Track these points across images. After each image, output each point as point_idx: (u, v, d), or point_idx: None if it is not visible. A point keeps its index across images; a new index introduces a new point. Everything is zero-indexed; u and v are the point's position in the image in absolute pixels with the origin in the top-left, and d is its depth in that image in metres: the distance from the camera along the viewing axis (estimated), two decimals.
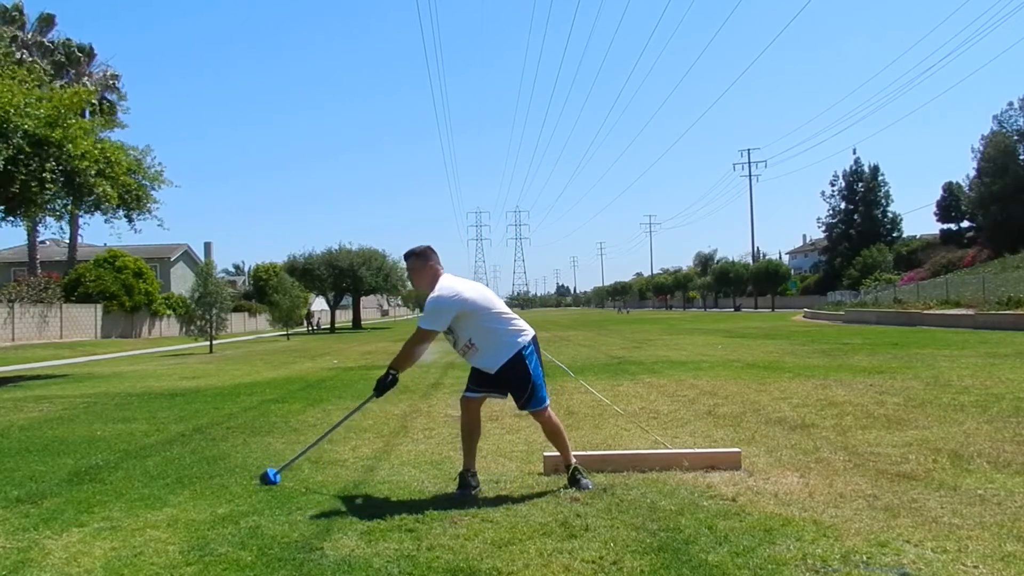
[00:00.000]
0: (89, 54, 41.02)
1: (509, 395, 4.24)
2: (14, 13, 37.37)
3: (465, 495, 4.05)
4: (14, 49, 27.59)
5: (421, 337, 4.12)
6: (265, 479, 4.49)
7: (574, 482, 4.15)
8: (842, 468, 4.53)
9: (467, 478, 4.18)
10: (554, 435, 4.26)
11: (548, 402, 4.24)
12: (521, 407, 4.22)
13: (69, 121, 13.07)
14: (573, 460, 4.26)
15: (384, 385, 4.18)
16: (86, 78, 38.40)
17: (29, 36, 37.58)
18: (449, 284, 4.13)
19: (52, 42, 38.79)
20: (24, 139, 12.25)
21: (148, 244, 32.56)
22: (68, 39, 39.49)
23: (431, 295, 4.12)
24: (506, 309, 4.25)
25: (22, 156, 12.24)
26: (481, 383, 4.24)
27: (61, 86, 15.31)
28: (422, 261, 4.25)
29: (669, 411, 7.12)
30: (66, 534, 3.60)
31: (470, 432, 4.26)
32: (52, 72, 28.22)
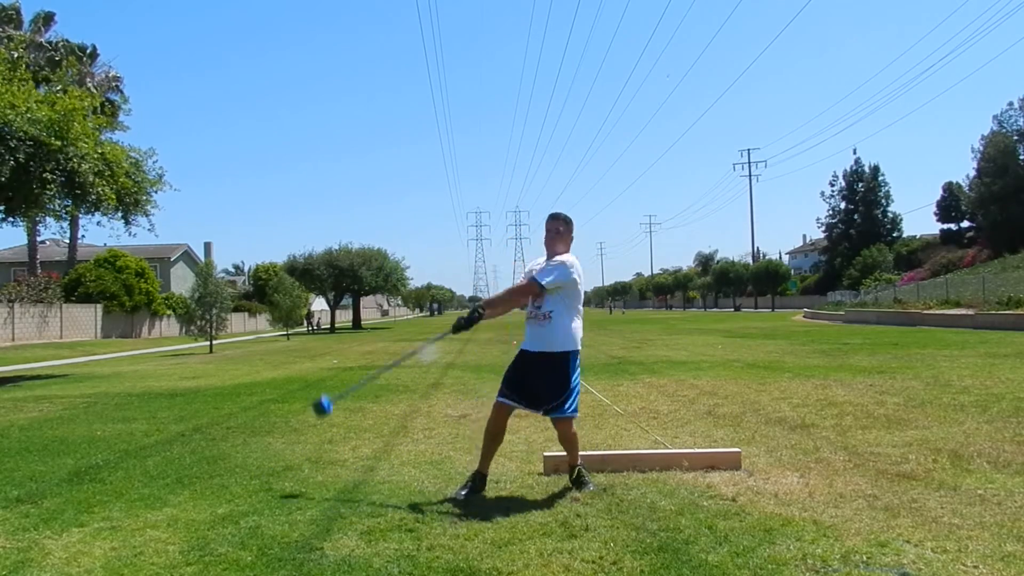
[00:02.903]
0: (92, 55, 41.02)
1: (530, 406, 4.21)
2: (11, 12, 37.37)
3: (468, 496, 4.04)
4: (26, 53, 27.50)
5: (528, 289, 4.22)
6: (319, 408, 4.26)
7: (577, 483, 4.16)
8: (842, 468, 4.53)
9: (478, 481, 4.16)
10: (568, 443, 4.25)
11: (577, 414, 4.21)
12: (547, 412, 4.15)
13: (72, 124, 13.07)
14: (579, 461, 4.27)
15: (468, 321, 4.12)
16: (88, 79, 38.39)
17: (26, 36, 37.57)
18: (576, 259, 4.31)
19: (50, 42, 38.78)
20: (26, 142, 12.24)
21: (148, 244, 32.47)
22: (65, 39, 39.50)
23: (559, 258, 4.24)
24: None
25: (21, 159, 12.23)
26: (515, 386, 4.20)
27: (60, 89, 15.25)
28: (568, 228, 4.39)
29: (669, 411, 7.12)
30: (66, 534, 3.60)
31: (494, 436, 4.24)
32: (49, 70, 28.09)
